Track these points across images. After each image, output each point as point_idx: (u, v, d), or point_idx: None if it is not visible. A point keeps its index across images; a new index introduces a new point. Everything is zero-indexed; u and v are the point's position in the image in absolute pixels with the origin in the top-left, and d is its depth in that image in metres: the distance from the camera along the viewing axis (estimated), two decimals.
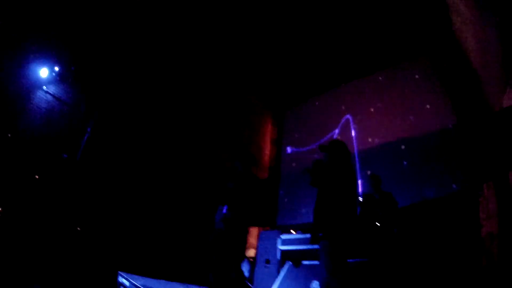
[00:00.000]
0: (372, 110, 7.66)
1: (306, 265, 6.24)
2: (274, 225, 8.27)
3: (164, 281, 6.19)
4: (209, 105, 8.15)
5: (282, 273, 6.21)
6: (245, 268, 7.90)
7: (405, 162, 6.83)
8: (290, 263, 6.41)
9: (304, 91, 9.25)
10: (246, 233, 5.70)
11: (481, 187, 5.77)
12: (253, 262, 7.96)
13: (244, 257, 8.16)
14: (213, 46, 8.06)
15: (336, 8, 7.43)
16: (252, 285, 6.89)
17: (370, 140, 7.38)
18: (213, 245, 5.30)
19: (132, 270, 5.96)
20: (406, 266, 5.13)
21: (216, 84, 8.44)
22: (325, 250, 3.66)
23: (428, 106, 6.90)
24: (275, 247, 6.77)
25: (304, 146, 8.59)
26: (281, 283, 6.04)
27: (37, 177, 5.83)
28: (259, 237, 7.45)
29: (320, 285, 3.85)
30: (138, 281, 5.12)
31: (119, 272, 5.21)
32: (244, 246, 5.89)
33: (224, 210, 5.40)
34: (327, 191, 3.97)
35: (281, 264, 6.49)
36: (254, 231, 9.21)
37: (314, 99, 9.09)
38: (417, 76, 7.30)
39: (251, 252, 8.92)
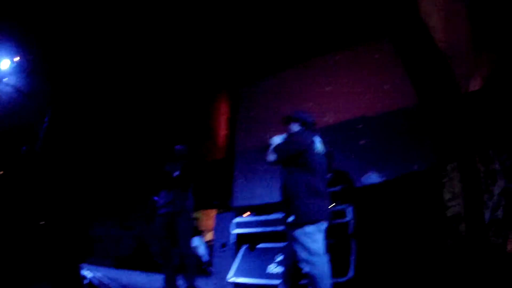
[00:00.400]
0: (328, 89, 7.52)
1: (261, 248, 6.13)
2: (230, 207, 8.06)
3: (126, 271, 6.06)
4: (162, 89, 7.79)
5: (238, 258, 6.09)
6: (205, 252, 7.78)
7: (362, 141, 6.76)
8: (246, 246, 6.29)
9: (260, 69, 8.93)
10: (191, 218, 5.55)
11: (444, 169, 5.75)
12: (211, 245, 7.84)
13: (199, 241, 7.99)
14: (164, 29, 7.65)
15: None
16: (211, 269, 6.80)
17: (325, 119, 7.26)
18: (161, 230, 5.14)
19: (97, 261, 5.80)
20: (370, 248, 5.13)
21: (169, 66, 8.05)
22: (296, 239, 3.39)
23: (386, 86, 6.82)
24: (230, 231, 6.62)
25: (260, 124, 8.42)
26: (237, 268, 5.94)
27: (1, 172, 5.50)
28: (215, 221, 7.28)
29: (286, 270, 3.67)
30: (99, 272, 5.15)
31: (82, 264, 5.11)
32: (191, 230, 5.73)
33: (164, 197, 5.22)
34: (298, 170, 3.60)
35: (237, 248, 6.34)
36: (211, 214, 9.07)
37: (270, 77, 8.80)
38: (376, 56, 7.18)
39: (209, 236, 8.79)
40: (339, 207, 5.30)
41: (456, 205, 5.48)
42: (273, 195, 7.24)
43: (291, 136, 3.78)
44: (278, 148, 3.68)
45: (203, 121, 9.11)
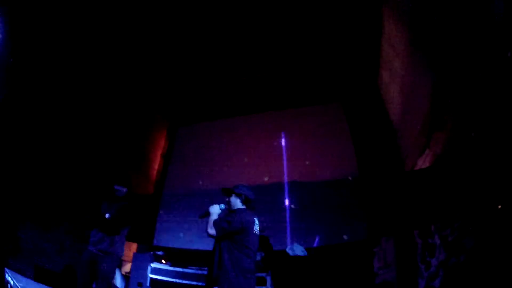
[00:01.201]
0: (267, 147, 7.76)
1: None
2: (151, 244, 8.01)
3: (44, 286, 5.86)
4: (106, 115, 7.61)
5: None
6: (121, 285, 7.64)
7: (292, 206, 7.04)
8: None
9: (201, 113, 8.95)
10: (117, 261, 5.51)
11: (377, 240, 6.06)
12: (127, 276, 7.71)
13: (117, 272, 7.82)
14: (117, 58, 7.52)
15: (259, 34, 7.05)
16: None
17: (259, 177, 7.49)
18: (85, 266, 5.02)
19: (21, 267, 5.70)
20: None
21: (111, 93, 7.90)
22: None
23: (328, 154, 7.08)
24: (147, 273, 6.62)
25: (191, 168, 8.53)
26: None
27: None
28: (133, 258, 7.20)
29: None
30: (21, 283, 4.95)
31: (6, 269, 5.01)
32: (114, 273, 5.69)
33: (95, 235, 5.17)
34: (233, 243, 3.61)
35: None
36: (133, 245, 8.92)
37: (211, 122, 8.84)
38: (322, 123, 7.53)
39: (128, 267, 8.62)
40: (260, 274, 5.39)
41: (386, 273, 5.76)
42: (193, 242, 7.50)
43: (233, 215, 3.73)
44: (219, 225, 3.67)
45: (138, 153, 8.99)
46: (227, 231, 3.61)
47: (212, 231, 3.69)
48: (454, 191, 4.12)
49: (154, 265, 6.45)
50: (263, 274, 5.46)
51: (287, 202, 7.07)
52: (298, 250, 6.00)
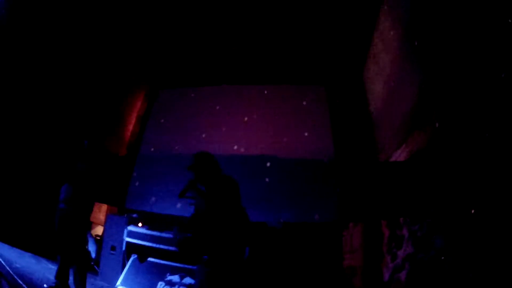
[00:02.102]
0: (246, 119, 7.67)
1: (152, 262, 6.09)
2: (123, 206, 7.78)
3: (18, 250, 5.60)
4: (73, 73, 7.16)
5: (127, 266, 5.97)
6: (92, 249, 7.40)
7: (267, 179, 7.03)
8: (135, 256, 6.19)
9: (184, 77, 8.70)
10: (90, 212, 5.39)
11: (346, 224, 6.23)
12: (99, 241, 7.49)
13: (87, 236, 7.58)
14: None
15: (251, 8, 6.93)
16: (98, 268, 6.50)
17: (235, 147, 7.40)
18: (58, 224, 4.90)
19: None
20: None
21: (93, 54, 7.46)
22: (205, 277, 3.25)
23: (306, 134, 7.10)
24: (122, 236, 6.43)
25: (168, 133, 8.31)
26: (126, 277, 5.82)
27: None
28: (106, 220, 7.00)
29: None
30: None
31: None
32: (87, 225, 5.55)
33: (65, 192, 4.96)
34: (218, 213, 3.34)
35: (126, 255, 6.20)
36: (103, 207, 8.66)
37: (191, 88, 8.60)
38: (304, 103, 7.42)
39: (98, 230, 8.38)
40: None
41: (352, 259, 5.95)
42: (166, 207, 7.33)
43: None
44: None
45: (113, 113, 8.61)
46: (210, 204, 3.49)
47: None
48: (427, 188, 4.15)
49: (130, 228, 6.22)
50: None
51: (262, 175, 7.09)
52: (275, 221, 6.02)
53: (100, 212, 8.79)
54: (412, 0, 4.76)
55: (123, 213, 7.48)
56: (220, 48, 7.89)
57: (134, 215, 6.79)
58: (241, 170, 6.43)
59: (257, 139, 7.31)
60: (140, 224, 6.47)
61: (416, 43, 4.72)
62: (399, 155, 5.17)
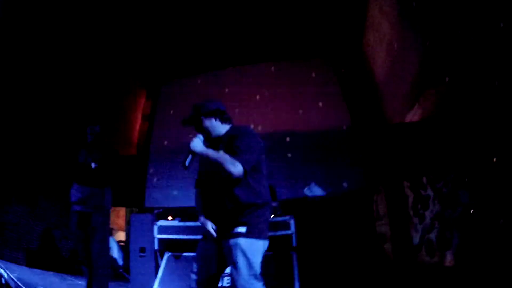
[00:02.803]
0: (258, 97, 7.37)
1: (188, 257, 5.72)
2: (142, 206, 7.50)
3: (40, 271, 5.23)
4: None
5: (162, 267, 5.59)
6: (118, 255, 7.01)
7: (289, 154, 6.76)
8: (170, 254, 5.80)
9: (184, 67, 8.52)
10: (109, 215, 4.97)
11: (374, 189, 6.15)
12: (124, 246, 7.11)
13: (111, 242, 7.24)
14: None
15: None
16: (128, 275, 6.12)
17: (252, 127, 7.10)
18: (77, 230, 4.47)
19: (10, 255, 5.16)
20: (310, 261, 5.11)
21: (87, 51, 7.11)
22: (244, 249, 2.59)
23: (320, 104, 6.94)
24: (151, 235, 6.02)
25: (179, 125, 7.92)
26: (162, 279, 5.44)
27: None
28: (131, 222, 6.63)
29: None
30: (15, 272, 4.35)
31: None
32: (108, 231, 5.16)
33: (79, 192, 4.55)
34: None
35: (159, 254, 5.83)
36: (121, 212, 8.33)
37: (195, 77, 8.46)
38: (313, 75, 7.32)
39: (120, 236, 8.04)
40: (280, 219, 5.24)
41: (382, 225, 5.91)
42: (189, 199, 6.99)
43: (252, 140, 2.82)
44: (245, 159, 2.66)
45: (116, 115, 8.26)
46: (254, 163, 2.74)
47: (236, 168, 2.64)
48: (447, 144, 4.14)
49: (161, 223, 5.84)
50: (287, 218, 5.25)
51: (283, 151, 7.05)
52: (316, 190, 5.77)
53: (119, 217, 8.54)
54: None
55: (142, 212, 7.12)
56: (218, 30, 7.67)
57: (157, 210, 6.42)
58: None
59: (273, 116, 7.14)
60: (170, 218, 6.08)
61: (414, 4, 4.70)
62: (413, 116, 5.19)
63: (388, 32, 5.76)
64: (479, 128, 3.40)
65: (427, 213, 4.65)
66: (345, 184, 6.46)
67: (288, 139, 7.00)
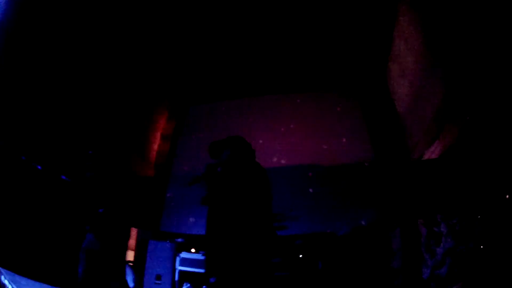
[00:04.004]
0: (282, 129, 7.18)
1: None
2: (158, 230, 7.21)
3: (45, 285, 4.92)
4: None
5: None
6: (129, 278, 6.68)
7: (311, 190, 6.54)
8: (189, 285, 5.56)
9: (210, 92, 8.53)
10: (127, 237, 4.70)
11: (390, 226, 6.10)
12: (133, 266, 6.78)
13: (125, 263, 6.89)
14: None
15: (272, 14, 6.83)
16: None
17: (275, 159, 6.92)
18: (87, 251, 4.19)
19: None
20: None
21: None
22: None
23: (344, 140, 6.74)
24: (169, 263, 5.80)
25: (201, 150, 7.70)
26: None
27: None
28: (148, 248, 6.36)
29: None
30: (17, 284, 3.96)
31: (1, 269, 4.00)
32: (125, 251, 4.88)
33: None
34: (225, 212, 2.68)
35: (177, 285, 5.58)
36: (132, 231, 7.99)
37: (221, 103, 8.34)
38: (338, 108, 7.11)
39: (129, 256, 7.69)
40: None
41: (395, 260, 5.93)
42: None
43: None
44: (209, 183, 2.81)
45: (136, 134, 8.01)
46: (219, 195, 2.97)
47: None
48: (463, 182, 4.26)
49: (184, 255, 5.62)
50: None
51: (305, 185, 6.93)
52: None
53: (130, 236, 8.14)
54: None
55: (159, 237, 6.80)
56: (246, 59, 7.81)
57: (179, 240, 6.15)
58: (283, 182, 6.33)
59: (297, 149, 7.05)
60: (193, 250, 5.82)
61: (439, 39, 4.77)
62: (433, 152, 5.27)
63: (412, 65, 5.85)
64: (494, 167, 3.54)
65: (439, 250, 4.74)
66: (363, 221, 6.33)
67: (310, 173, 6.85)
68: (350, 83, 7.60)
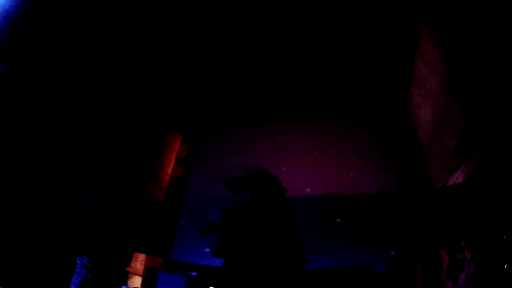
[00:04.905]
0: (307, 157, 6.76)
1: None
2: (168, 257, 6.76)
3: None
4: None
5: None
6: None
7: (338, 220, 6.09)
8: None
9: (229, 116, 8.31)
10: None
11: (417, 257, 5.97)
12: None
13: None
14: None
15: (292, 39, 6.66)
16: None
17: (299, 188, 6.50)
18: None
19: None
20: None
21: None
22: None
23: (371, 168, 6.41)
24: None
25: (217, 177, 7.28)
26: None
27: None
28: (158, 280, 5.88)
29: None
30: None
31: None
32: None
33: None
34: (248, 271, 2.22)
35: None
36: (140, 256, 7.52)
37: (240, 127, 8.05)
38: (364, 135, 6.84)
39: (136, 281, 7.20)
40: None
41: None
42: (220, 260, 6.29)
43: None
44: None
45: (150, 157, 7.66)
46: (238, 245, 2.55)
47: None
48: (488, 208, 4.17)
49: None
50: None
51: (332, 215, 6.57)
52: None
53: (137, 261, 7.77)
54: (453, 17, 4.71)
55: (169, 268, 6.33)
56: (267, 81, 7.56)
57: (193, 273, 5.66)
58: (309, 212, 6.18)
59: (323, 177, 6.63)
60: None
61: (463, 64, 4.66)
62: (457, 178, 5.22)
63: (435, 90, 5.76)
64: None
65: (461, 276, 4.66)
66: (392, 253, 5.96)
67: (337, 202, 6.44)
68: (372, 108, 7.43)
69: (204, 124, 8.65)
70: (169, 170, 8.58)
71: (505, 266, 3.51)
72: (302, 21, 6.47)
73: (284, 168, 7.01)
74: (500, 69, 3.79)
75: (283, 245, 2.19)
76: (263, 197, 2.57)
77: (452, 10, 4.90)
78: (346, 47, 6.78)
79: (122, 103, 6.94)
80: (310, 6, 6.33)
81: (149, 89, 7.57)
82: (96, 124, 6.36)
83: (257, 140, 7.79)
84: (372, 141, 7.11)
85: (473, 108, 4.56)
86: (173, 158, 8.67)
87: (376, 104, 7.44)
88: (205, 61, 7.33)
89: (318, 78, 7.33)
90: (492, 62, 3.96)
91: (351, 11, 6.21)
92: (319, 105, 7.69)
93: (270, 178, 2.79)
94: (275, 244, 2.17)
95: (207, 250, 6.79)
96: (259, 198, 2.57)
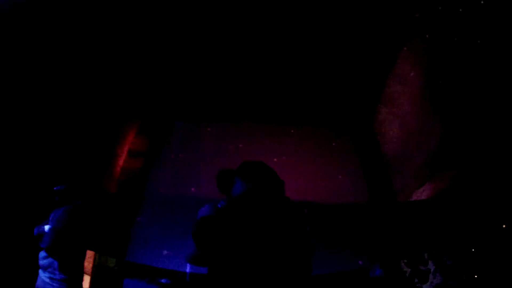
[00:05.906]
0: (276, 160, 6.63)
1: None
2: (123, 258, 6.20)
3: None
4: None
5: None
6: None
7: (307, 228, 6.04)
8: None
9: (196, 111, 7.68)
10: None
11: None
12: None
13: None
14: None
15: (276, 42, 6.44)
16: None
17: None
18: None
19: None
20: None
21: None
22: None
23: (340, 177, 6.49)
24: None
25: (181, 173, 6.84)
26: None
27: None
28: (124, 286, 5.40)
29: None
30: None
31: None
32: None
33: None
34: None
35: None
36: (88, 253, 6.79)
37: (208, 123, 7.64)
38: (334, 144, 6.81)
39: (85, 282, 6.49)
40: None
41: None
42: (181, 263, 6.05)
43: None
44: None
45: (105, 148, 6.93)
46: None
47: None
48: (452, 222, 4.39)
49: None
50: None
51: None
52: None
53: (86, 259, 6.93)
54: (434, 43, 4.91)
55: (133, 272, 5.86)
56: (240, 82, 7.18)
57: (163, 280, 5.28)
58: None
59: (290, 183, 6.26)
60: None
61: (439, 83, 4.85)
62: (421, 194, 5.39)
63: (406, 109, 5.95)
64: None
65: (425, 286, 4.81)
66: (360, 262, 6.04)
67: (306, 210, 6.33)
68: (343, 120, 7.47)
69: (169, 117, 7.95)
70: (121, 162, 7.71)
71: (475, 276, 3.81)
72: (283, 26, 6.21)
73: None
74: (477, 95, 4.01)
75: (291, 245, 2.02)
76: (264, 190, 2.32)
77: (436, 34, 5.16)
78: (321, 56, 6.61)
79: (79, 89, 6.25)
80: (290, 14, 6.17)
81: (111, 78, 6.94)
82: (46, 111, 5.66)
83: (225, 138, 7.41)
84: (345, 152, 7.11)
85: (447, 130, 4.72)
86: (125, 150, 7.82)
87: (347, 116, 7.47)
88: (177, 52, 6.68)
89: (293, 84, 7.11)
90: (469, 86, 4.15)
91: (335, 23, 6.08)
92: (290, 112, 7.52)
93: (268, 169, 2.56)
94: (281, 243, 1.99)
95: (165, 252, 6.28)
96: (260, 190, 2.28)
